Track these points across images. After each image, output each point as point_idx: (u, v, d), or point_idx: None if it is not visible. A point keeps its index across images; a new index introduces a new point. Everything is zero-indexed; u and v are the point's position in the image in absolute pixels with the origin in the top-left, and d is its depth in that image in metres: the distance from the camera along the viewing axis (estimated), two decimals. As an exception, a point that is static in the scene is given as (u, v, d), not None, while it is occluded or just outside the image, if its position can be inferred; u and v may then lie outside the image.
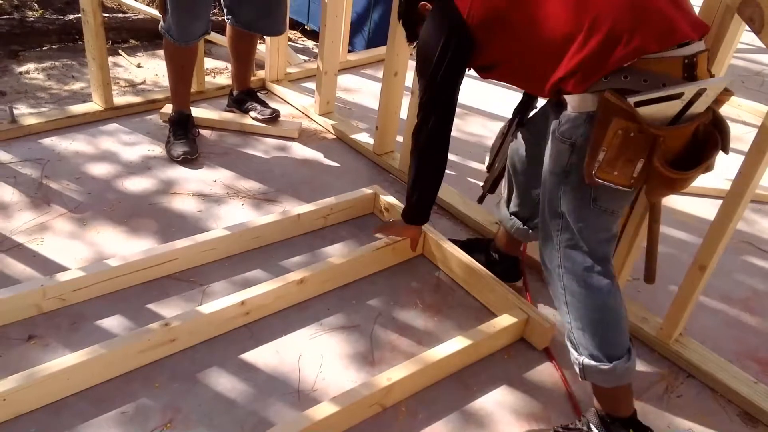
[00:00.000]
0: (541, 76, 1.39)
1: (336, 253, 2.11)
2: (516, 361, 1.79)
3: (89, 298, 1.79)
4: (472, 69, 1.57)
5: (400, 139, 2.57)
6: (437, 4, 1.54)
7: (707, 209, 2.53)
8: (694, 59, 1.26)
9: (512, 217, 1.91)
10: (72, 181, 2.30)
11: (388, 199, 2.26)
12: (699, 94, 1.23)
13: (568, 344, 1.54)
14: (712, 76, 1.33)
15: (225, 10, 2.55)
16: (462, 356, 1.71)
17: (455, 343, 1.70)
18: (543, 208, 1.50)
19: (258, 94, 2.80)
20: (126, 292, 1.84)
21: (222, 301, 1.72)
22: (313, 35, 4.59)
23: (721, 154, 1.33)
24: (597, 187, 1.33)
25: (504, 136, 1.86)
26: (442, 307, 1.95)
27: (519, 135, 1.80)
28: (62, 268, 1.88)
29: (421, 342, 1.82)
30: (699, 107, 1.25)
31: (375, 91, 3.20)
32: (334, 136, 2.79)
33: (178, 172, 2.42)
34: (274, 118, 2.72)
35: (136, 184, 2.33)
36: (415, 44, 1.66)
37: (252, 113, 2.72)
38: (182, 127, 2.51)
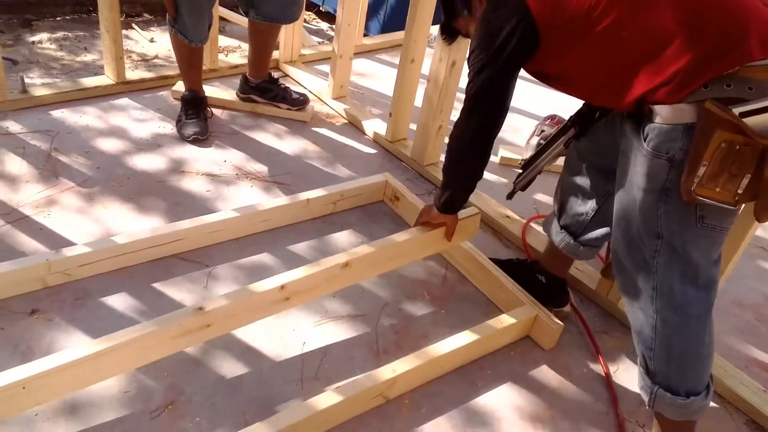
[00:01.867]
0: (622, 87, 1.28)
1: (345, 239, 2.09)
2: (522, 360, 1.77)
3: (94, 274, 1.77)
4: (527, 72, 1.45)
5: (413, 127, 2.53)
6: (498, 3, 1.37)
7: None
8: None
9: (562, 230, 1.77)
10: (81, 154, 2.28)
11: (399, 186, 2.23)
12: None
13: (641, 369, 1.44)
14: None
15: (244, 5, 2.45)
16: (468, 351, 1.69)
17: (461, 338, 1.68)
18: (631, 228, 1.36)
19: (279, 80, 2.74)
20: (132, 269, 1.82)
21: (263, 284, 1.56)
22: (327, 17, 4.53)
23: None
24: (703, 205, 1.23)
25: (550, 140, 1.73)
26: (449, 301, 1.92)
27: (576, 144, 1.68)
28: (68, 243, 1.86)
29: (427, 335, 1.80)
30: None
31: (389, 76, 3.16)
32: (346, 121, 2.76)
33: (188, 152, 2.39)
34: (304, 102, 2.69)
35: (146, 161, 2.31)
36: (445, 38, 1.57)
37: (282, 104, 2.67)
38: (195, 107, 2.48)
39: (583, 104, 1.62)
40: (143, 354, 1.42)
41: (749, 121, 1.13)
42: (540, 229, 2.22)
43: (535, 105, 3.02)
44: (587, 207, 1.70)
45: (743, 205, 1.26)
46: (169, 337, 1.44)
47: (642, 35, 1.23)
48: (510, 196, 1.93)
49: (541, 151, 1.76)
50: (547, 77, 1.44)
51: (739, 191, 1.19)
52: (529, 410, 1.63)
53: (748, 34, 1.17)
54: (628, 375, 1.75)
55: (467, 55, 1.48)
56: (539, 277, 1.89)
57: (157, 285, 1.80)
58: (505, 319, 1.75)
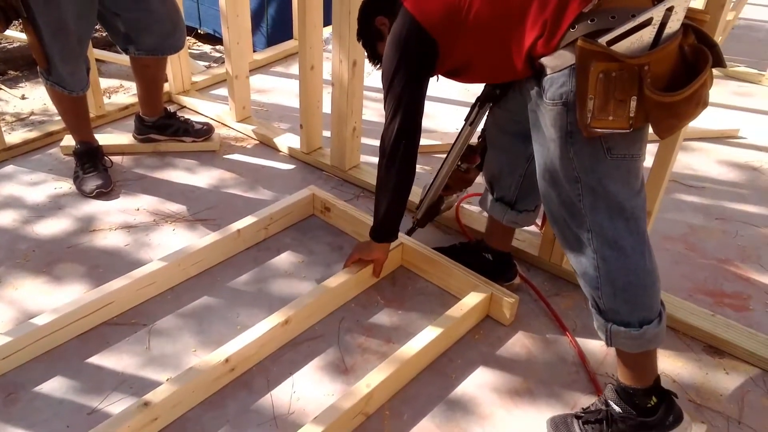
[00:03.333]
0: (510, 56, 1.36)
1: (284, 263, 2.01)
2: (487, 341, 1.77)
3: (21, 364, 1.60)
4: (440, 76, 1.57)
5: (326, 134, 2.48)
6: (392, 18, 1.51)
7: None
8: None
9: (497, 202, 1.82)
10: (-27, 237, 2.06)
11: (327, 197, 2.17)
12: (668, 14, 1.19)
13: (593, 311, 1.47)
14: None
15: (121, 42, 2.29)
16: (435, 346, 1.67)
17: (426, 334, 1.65)
18: (554, 179, 1.41)
19: (176, 113, 2.59)
20: (61, 349, 1.66)
21: (207, 360, 1.55)
22: (207, 38, 4.38)
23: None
24: (606, 137, 1.28)
25: (467, 124, 1.80)
26: (403, 300, 1.90)
27: (495, 114, 1.74)
28: (-19, 337, 1.67)
29: (390, 339, 1.76)
30: (673, 26, 1.21)
31: (289, 88, 3.09)
32: (257, 142, 2.66)
33: (95, 207, 2.22)
34: (209, 131, 2.56)
35: (49, 228, 2.11)
36: (379, 66, 1.63)
37: (186, 138, 2.53)
38: (91, 159, 2.30)
39: (485, 86, 1.71)
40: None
41: (618, 47, 1.20)
42: (473, 208, 2.24)
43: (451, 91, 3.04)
44: (515, 174, 1.76)
45: (647, 128, 1.32)
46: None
47: (504, 8, 1.34)
48: (410, 233, 2.06)
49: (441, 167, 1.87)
50: (454, 73, 1.54)
51: (632, 114, 1.24)
52: (506, 387, 1.64)
53: None
54: (587, 330, 1.80)
55: (381, 75, 1.57)
56: (485, 255, 1.91)
57: (93, 359, 1.65)
58: (463, 305, 1.75)
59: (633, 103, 1.23)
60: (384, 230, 1.78)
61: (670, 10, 1.18)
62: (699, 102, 1.26)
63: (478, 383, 1.65)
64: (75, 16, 2.03)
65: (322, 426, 1.41)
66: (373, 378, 1.53)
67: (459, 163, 1.93)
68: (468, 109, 1.80)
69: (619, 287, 1.40)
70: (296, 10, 3.23)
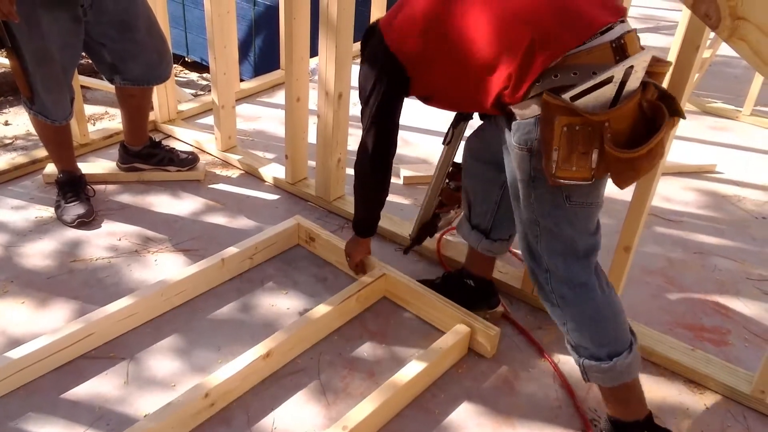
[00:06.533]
0: (478, 98, 1.42)
1: (268, 295, 2.00)
2: (470, 375, 1.77)
3: (-5, 399, 1.57)
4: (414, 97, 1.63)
5: (312, 164, 2.49)
6: (370, 45, 1.60)
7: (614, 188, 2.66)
8: (622, 41, 1.28)
9: (473, 230, 1.87)
10: (-51, 266, 2.02)
11: (312, 226, 2.18)
12: (628, 72, 1.25)
13: (568, 347, 1.53)
14: None
15: (107, 72, 2.29)
16: (418, 381, 1.66)
17: (409, 369, 1.65)
18: (519, 219, 1.49)
19: (161, 142, 2.59)
20: (37, 383, 1.63)
21: (186, 396, 1.53)
22: (194, 66, 4.41)
23: None
24: (566, 186, 1.33)
25: (445, 144, 1.89)
26: (386, 332, 1.89)
27: (469, 142, 1.81)
28: (-46, 371, 1.63)
29: (373, 373, 1.75)
30: (633, 84, 1.27)
31: (274, 117, 3.11)
32: (243, 171, 2.67)
33: (76, 237, 2.19)
34: (194, 161, 2.56)
35: (29, 258, 2.08)
36: None
37: (170, 167, 2.53)
38: (73, 188, 2.28)
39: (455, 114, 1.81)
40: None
41: (580, 102, 1.25)
42: (456, 240, 2.26)
43: (428, 121, 3.08)
44: (491, 201, 1.81)
45: (606, 178, 1.37)
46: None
47: (471, 54, 1.37)
48: (406, 251, 2.13)
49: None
50: (425, 98, 1.60)
51: (593, 166, 1.29)
52: (490, 423, 1.63)
53: (563, 27, 1.28)
54: (570, 363, 1.81)
55: (358, 93, 1.66)
56: (468, 281, 1.94)
57: (69, 394, 1.61)
58: (446, 341, 1.74)
59: (595, 156, 1.28)
60: (364, 228, 1.92)
61: (630, 68, 1.24)
62: (657, 155, 1.32)
63: (462, 418, 1.64)
64: (60, 46, 2.04)
65: (302, 464, 1.39)
66: (356, 415, 1.51)
67: (447, 181, 1.98)
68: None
69: (581, 323, 1.46)
70: (283, 42, 3.28)
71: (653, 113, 1.29)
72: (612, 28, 1.30)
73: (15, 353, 1.61)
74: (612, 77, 1.24)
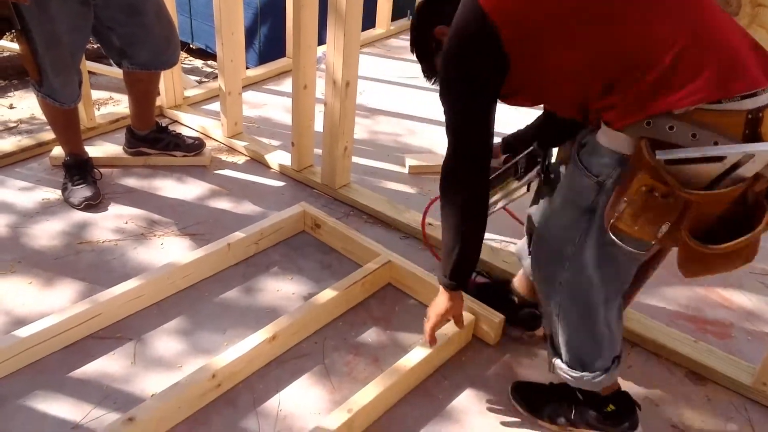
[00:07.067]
0: (577, 100, 1.20)
1: (273, 280, 2.01)
2: (474, 361, 1.78)
3: (4, 375, 1.58)
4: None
5: (318, 151, 2.50)
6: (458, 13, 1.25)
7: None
8: (760, 114, 1.05)
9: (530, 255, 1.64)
10: (-44, 246, 2.03)
11: (318, 213, 2.18)
12: (746, 159, 1.05)
13: (548, 343, 1.52)
14: None
15: (115, 56, 2.29)
16: (422, 367, 1.67)
17: (413, 355, 1.66)
18: (547, 230, 1.33)
19: (168, 127, 2.59)
20: (44, 362, 1.64)
21: (193, 377, 1.54)
22: (199, 54, 4.40)
23: None
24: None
25: (514, 177, 1.64)
26: (391, 319, 1.90)
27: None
28: (-38, 348, 1.64)
29: (377, 359, 1.76)
30: (746, 172, 1.06)
31: (280, 105, 3.11)
32: (248, 158, 2.67)
33: (82, 219, 2.20)
34: (200, 146, 2.56)
35: (36, 239, 2.09)
36: (434, 80, 1.43)
37: (177, 152, 2.53)
38: (80, 171, 2.29)
39: (542, 116, 1.58)
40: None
41: (676, 168, 1.06)
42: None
43: (432, 110, 3.09)
44: None
45: (666, 246, 1.23)
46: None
47: (604, 47, 1.12)
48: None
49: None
50: (506, 96, 1.30)
51: (659, 236, 1.12)
52: (493, 410, 1.64)
53: (708, 68, 1.04)
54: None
55: (439, 90, 1.33)
56: (511, 296, 1.83)
57: (76, 373, 1.63)
58: (450, 327, 1.75)
59: (665, 228, 1.10)
60: (459, 275, 1.47)
61: (751, 156, 1.05)
62: (740, 258, 1.13)
63: (465, 405, 1.65)
64: (69, 30, 2.04)
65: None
66: (360, 399, 1.52)
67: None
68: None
69: (573, 343, 1.44)
70: (290, 30, 3.27)
71: (754, 209, 1.09)
72: (757, 95, 1.06)
73: (22, 332, 1.62)
74: (724, 157, 1.05)
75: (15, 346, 1.59)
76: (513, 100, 1.30)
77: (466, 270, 1.49)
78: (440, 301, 1.54)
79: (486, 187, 1.42)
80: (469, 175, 1.35)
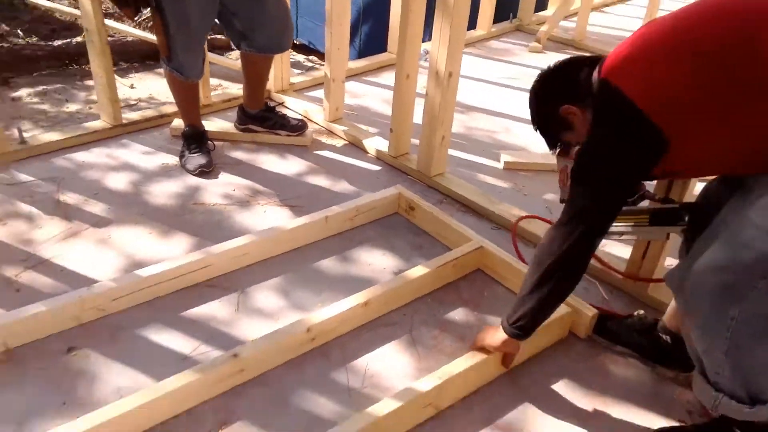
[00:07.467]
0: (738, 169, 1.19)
1: (367, 253, 2.09)
2: (566, 354, 1.75)
3: (126, 307, 1.74)
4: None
5: (414, 141, 2.57)
6: (583, 107, 1.31)
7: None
8: None
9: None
10: (90, 196, 2.25)
11: (413, 197, 2.25)
12: None
13: (700, 376, 1.40)
14: None
15: (236, 38, 2.47)
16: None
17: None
18: (723, 275, 1.22)
19: (275, 108, 2.77)
20: (161, 300, 1.80)
21: (290, 328, 1.65)
22: (302, 49, 4.61)
23: None
24: None
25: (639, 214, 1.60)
26: (479, 302, 1.93)
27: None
28: (91, 281, 1.83)
29: (464, 337, 1.79)
30: None
31: (379, 96, 3.23)
32: (347, 142, 2.79)
33: (196, 184, 2.39)
34: (303, 127, 2.72)
35: (156, 197, 2.29)
36: (557, 150, 1.48)
37: (281, 131, 2.70)
38: (197, 141, 2.49)
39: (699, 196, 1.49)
40: (185, 399, 1.50)
41: None
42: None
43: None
44: None
45: None
46: (208, 384, 1.52)
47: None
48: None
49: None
50: (667, 174, 1.30)
51: None
52: (584, 404, 1.61)
53: None
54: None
55: (575, 171, 1.34)
56: (664, 337, 1.70)
57: (188, 313, 1.77)
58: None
59: None
60: (525, 330, 1.48)
61: None
62: None
63: (554, 395, 1.64)
64: (198, 12, 2.23)
65: (395, 404, 1.44)
66: (450, 368, 1.55)
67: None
68: None
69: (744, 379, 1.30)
70: (395, 23, 3.39)
71: None
72: None
73: (143, 272, 1.78)
74: None
75: (136, 284, 1.76)
76: (676, 176, 1.29)
77: (528, 330, 1.48)
78: (497, 338, 1.54)
79: (579, 277, 1.40)
80: (580, 250, 1.34)
